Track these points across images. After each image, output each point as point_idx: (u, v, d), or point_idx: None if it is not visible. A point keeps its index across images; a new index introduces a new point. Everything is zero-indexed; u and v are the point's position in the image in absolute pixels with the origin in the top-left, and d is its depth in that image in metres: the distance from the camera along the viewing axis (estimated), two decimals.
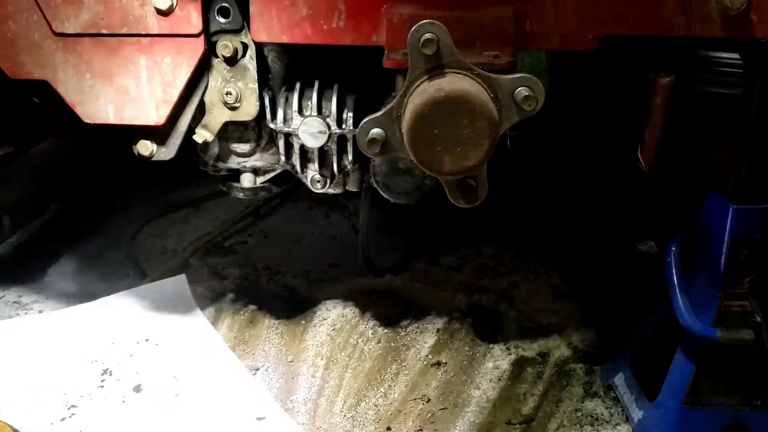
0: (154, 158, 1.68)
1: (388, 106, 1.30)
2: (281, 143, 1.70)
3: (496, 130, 1.25)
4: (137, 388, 1.83)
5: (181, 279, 2.26)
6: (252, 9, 1.49)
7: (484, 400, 1.84)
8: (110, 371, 1.89)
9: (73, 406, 1.78)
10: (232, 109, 1.62)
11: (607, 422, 1.78)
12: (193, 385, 1.86)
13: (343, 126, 1.66)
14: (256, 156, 1.78)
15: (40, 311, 2.18)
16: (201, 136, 1.64)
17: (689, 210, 1.67)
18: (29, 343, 2.00)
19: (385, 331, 2.08)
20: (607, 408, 1.82)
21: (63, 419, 1.73)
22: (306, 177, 1.74)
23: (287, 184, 1.89)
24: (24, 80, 1.58)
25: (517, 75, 1.27)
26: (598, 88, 2.18)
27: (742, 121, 1.48)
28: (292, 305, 2.21)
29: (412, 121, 1.24)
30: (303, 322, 2.13)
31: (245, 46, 1.57)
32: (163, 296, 2.19)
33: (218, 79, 1.60)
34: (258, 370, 1.93)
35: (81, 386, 1.84)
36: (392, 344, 2.04)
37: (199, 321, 2.10)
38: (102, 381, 1.86)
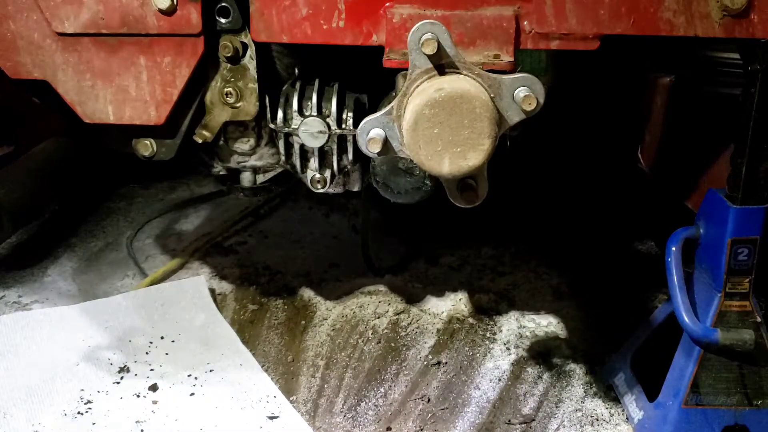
0: (154, 158, 1.68)
1: (388, 106, 1.30)
2: (281, 143, 1.70)
3: (496, 130, 1.25)
4: (153, 386, 1.84)
5: (200, 280, 2.29)
6: (252, 9, 1.49)
7: (484, 400, 1.84)
8: (127, 368, 1.90)
9: (89, 401, 1.78)
10: (232, 108, 1.62)
11: (607, 422, 1.78)
12: (209, 383, 1.87)
13: (343, 126, 1.66)
14: (256, 156, 1.78)
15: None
16: (201, 136, 1.64)
17: (689, 210, 1.67)
18: (46, 336, 2.01)
19: (385, 331, 2.08)
20: (607, 408, 1.82)
21: (79, 413, 1.75)
22: (306, 177, 1.74)
23: (287, 183, 1.89)
24: (24, 80, 1.58)
25: (517, 75, 1.27)
26: (598, 88, 2.18)
27: (742, 121, 1.48)
28: (292, 305, 2.21)
29: (412, 121, 1.24)
30: (303, 322, 2.13)
31: (245, 46, 1.57)
32: (181, 295, 2.20)
33: (218, 79, 1.60)
34: None
35: (98, 382, 1.85)
36: (392, 344, 2.04)
37: (216, 320, 2.11)
38: (119, 378, 1.87)
